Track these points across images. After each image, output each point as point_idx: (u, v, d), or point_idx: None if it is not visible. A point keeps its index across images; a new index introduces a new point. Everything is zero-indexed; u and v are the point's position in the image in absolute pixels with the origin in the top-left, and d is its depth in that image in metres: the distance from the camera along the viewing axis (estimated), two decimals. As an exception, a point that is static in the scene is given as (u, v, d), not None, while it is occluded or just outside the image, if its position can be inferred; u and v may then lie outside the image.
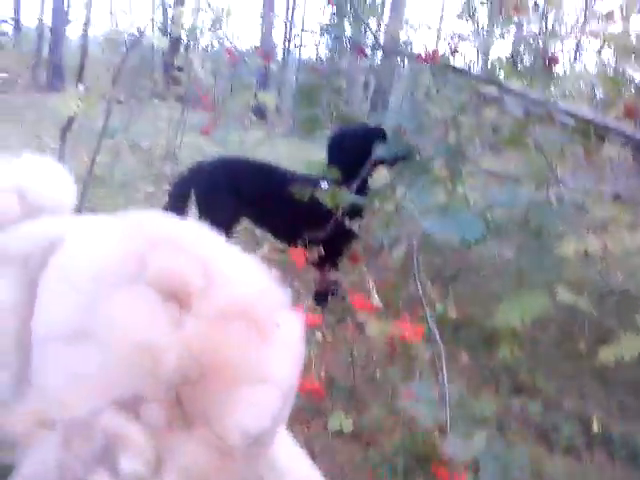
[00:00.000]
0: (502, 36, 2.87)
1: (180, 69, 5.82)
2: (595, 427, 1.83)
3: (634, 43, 2.36)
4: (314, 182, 2.59)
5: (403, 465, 1.32)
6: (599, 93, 3.21)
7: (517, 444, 1.74)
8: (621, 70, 2.07)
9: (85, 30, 10.73)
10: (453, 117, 2.81)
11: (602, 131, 2.61)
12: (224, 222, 2.82)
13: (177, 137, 6.13)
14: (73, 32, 13.32)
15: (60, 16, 12.10)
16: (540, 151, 2.38)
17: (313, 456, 1.62)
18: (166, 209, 3.07)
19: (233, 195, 2.76)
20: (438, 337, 1.53)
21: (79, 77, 4.10)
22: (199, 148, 6.91)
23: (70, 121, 3.78)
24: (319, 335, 2.31)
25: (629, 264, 2.78)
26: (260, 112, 8.52)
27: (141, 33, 4.27)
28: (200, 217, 2.91)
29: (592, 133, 2.65)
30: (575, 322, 2.71)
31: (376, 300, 1.69)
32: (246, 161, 2.95)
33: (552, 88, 2.27)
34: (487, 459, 1.10)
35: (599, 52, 2.79)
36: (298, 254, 2.13)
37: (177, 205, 2.99)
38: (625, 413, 2.01)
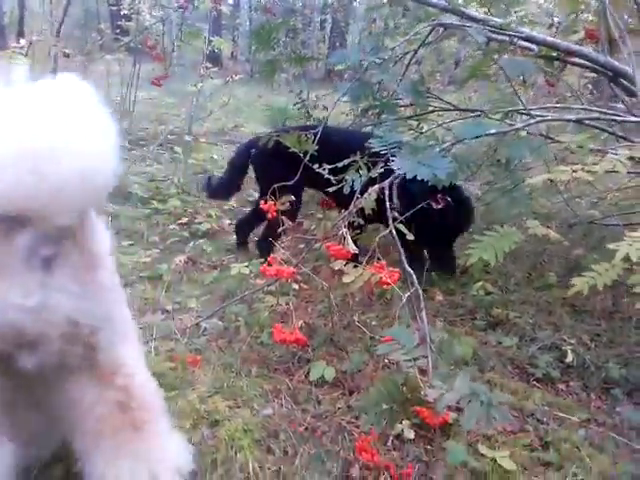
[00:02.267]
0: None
1: (128, 18, 5.52)
2: (569, 357, 1.87)
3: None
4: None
5: (386, 409, 1.32)
6: (558, 18, 3.15)
7: (496, 380, 1.77)
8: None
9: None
10: (414, 51, 2.73)
11: (565, 56, 2.57)
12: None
13: (131, 91, 5.88)
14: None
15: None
16: (506, 79, 2.33)
17: (297, 406, 1.63)
18: (223, 178, 3.09)
19: (293, 165, 2.46)
20: (415, 279, 1.51)
21: (19, 32, 3.83)
22: (154, 102, 6.65)
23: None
24: (295, 286, 2.30)
25: (594, 192, 2.78)
26: (215, 59, 8.22)
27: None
28: (263, 192, 2.81)
29: (555, 59, 2.61)
30: (544, 253, 2.73)
31: (351, 246, 1.66)
32: (303, 127, 2.71)
33: (513, 14, 2.20)
34: (470, 401, 1.11)
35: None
36: (268, 206, 2.09)
37: (234, 176, 3.00)
38: (597, 342, 2.06)
